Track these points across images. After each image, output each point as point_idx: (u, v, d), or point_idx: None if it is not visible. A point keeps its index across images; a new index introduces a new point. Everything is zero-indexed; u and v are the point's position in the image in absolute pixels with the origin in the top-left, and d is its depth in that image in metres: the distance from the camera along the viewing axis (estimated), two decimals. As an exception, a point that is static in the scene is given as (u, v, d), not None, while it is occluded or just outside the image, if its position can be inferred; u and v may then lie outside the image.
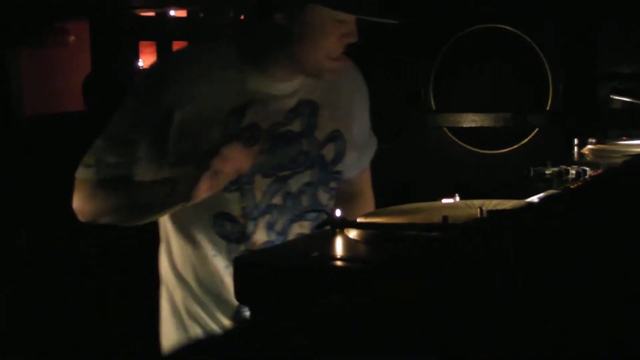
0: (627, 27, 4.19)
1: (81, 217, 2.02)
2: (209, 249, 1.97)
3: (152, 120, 1.94)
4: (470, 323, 1.12)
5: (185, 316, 2.04)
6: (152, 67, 2.19)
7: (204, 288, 2.00)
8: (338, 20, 1.90)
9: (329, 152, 2.09)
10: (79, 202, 2.00)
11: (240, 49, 1.98)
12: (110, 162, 1.95)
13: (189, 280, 2.02)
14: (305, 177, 2.04)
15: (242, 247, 1.94)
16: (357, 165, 2.20)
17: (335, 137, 2.10)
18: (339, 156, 2.10)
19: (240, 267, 1.24)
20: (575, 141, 2.71)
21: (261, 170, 1.97)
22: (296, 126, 2.03)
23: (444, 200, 1.74)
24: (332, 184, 2.10)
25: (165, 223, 2.04)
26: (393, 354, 1.11)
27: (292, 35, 1.91)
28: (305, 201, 2.05)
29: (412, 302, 1.10)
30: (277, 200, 1.99)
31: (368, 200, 2.31)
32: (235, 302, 1.94)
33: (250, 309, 1.22)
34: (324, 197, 2.08)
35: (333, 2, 1.88)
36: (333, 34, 1.91)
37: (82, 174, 1.98)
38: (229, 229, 1.95)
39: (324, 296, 1.16)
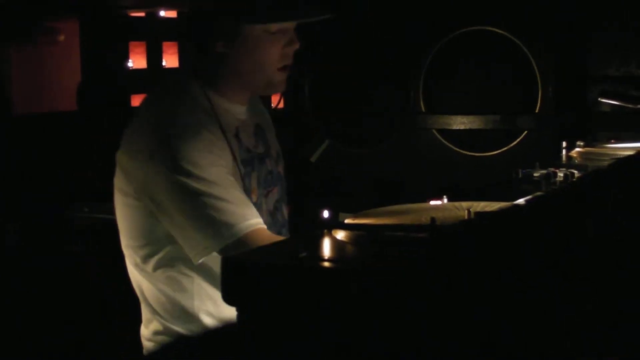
0: (616, 30, 4.20)
1: None
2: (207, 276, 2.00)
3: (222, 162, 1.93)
4: (458, 323, 1.12)
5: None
6: (162, 136, 1.92)
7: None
8: (273, 32, 1.95)
9: (281, 169, 2.19)
10: None
11: (201, 80, 2.02)
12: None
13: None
14: (275, 195, 2.13)
15: None
16: None
17: (280, 155, 2.21)
18: (284, 173, 2.22)
19: (228, 268, 1.24)
20: (564, 144, 2.72)
21: (259, 192, 2.06)
22: (260, 148, 2.11)
23: (432, 202, 1.75)
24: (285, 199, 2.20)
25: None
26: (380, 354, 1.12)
27: (237, 57, 1.97)
28: (279, 217, 2.14)
29: (398, 303, 1.10)
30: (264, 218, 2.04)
31: None
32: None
33: (237, 310, 1.22)
34: (286, 212, 2.15)
35: (261, 17, 1.93)
36: (274, 47, 1.97)
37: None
38: None
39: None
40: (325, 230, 1.38)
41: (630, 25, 4.17)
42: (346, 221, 1.49)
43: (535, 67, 4.25)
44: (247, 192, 1.98)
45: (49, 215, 4.00)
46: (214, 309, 1.99)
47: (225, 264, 1.24)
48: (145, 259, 2.02)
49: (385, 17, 4.44)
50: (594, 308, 1.26)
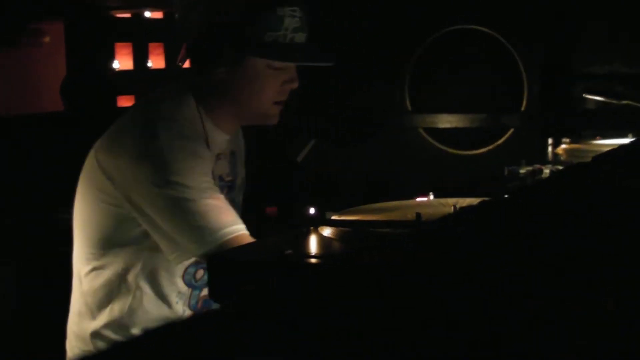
0: (601, 29, 4.22)
1: None
2: (172, 297, 2.02)
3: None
4: (445, 319, 1.12)
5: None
6: (153, 147, 1.89)
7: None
8: (276, 68, 1.96)
9: (240, 197, 2.21)
10: None
11: (196, 100, 2.01)
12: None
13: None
14: None
15: (202, 294, 2.06)
16: None
17: (243, 184, 2.23)
18: (243, 200, 2.23)
19: (214, 265, 1.24)
20: (550, 141, 2.73)
21: None
22: (230, 176, 2.12)
23: (418, 199, 1.75)
24: None
25: (123, 271, 2.00)
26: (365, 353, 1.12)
27: (235, 86, 1.97)
28: None
29: (384, 299, 1.10)
30: None
31: None
32: None
33: (223, 307, 1.22)
34: None
35: (267, 53, 1.93)
36: (274, 82, 1.97)
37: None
38: (198, 277, 2.03)
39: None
40: (311, 227, 1.38)
41: (614, 23, 4.19)
42: (332, 218, 1.49)
43: (521, 65, 4.27)
44: None
45: (35, 217, 3.99)
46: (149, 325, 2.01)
47: (212, 261, 1.24)
48: (92, 270, 2.03)
49: (371, 17, 4.44)
50: (583, 302, 1.26)
